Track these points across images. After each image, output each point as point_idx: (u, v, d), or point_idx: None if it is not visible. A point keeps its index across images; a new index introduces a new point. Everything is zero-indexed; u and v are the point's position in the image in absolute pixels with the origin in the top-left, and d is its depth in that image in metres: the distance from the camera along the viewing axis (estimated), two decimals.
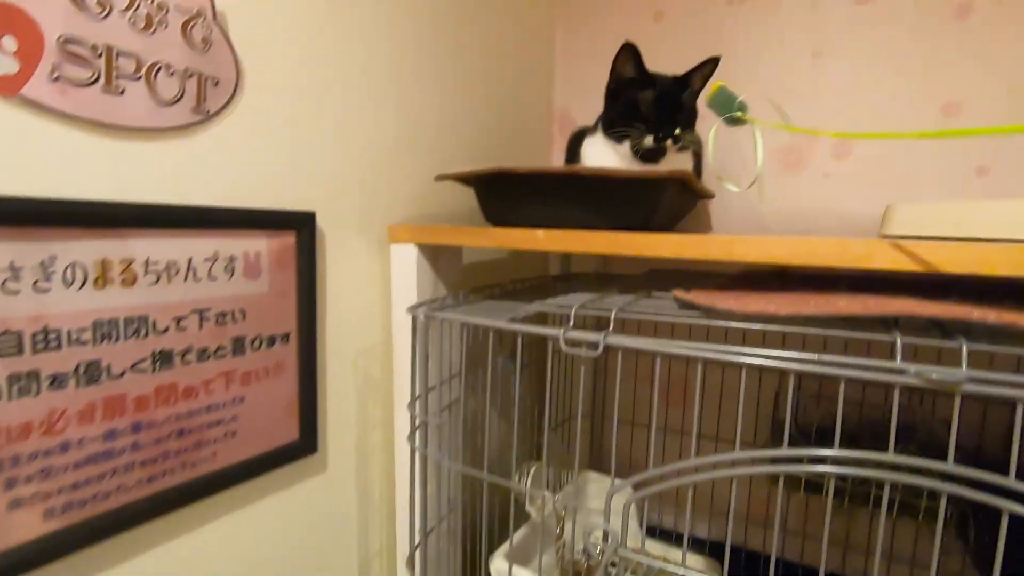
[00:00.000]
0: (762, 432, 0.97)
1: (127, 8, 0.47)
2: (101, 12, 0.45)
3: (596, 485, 0.95)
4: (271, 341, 0.61)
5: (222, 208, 0.56)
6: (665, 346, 0.44)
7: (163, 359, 0.52)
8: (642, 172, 0.58)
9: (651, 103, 0.72)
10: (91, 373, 0.46)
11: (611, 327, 0.47)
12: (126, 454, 0.50)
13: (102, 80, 0.46)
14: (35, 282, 0.43)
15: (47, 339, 0.44)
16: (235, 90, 0.56)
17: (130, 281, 0.48)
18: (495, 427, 0.80)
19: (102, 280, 0.47)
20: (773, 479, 0.92)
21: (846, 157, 0.93)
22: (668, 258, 0.54)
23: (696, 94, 0.75)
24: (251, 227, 0.58)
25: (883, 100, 0.89)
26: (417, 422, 0.65)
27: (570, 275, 0.97)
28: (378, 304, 0.77)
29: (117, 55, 0.46)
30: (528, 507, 0.78)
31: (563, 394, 1.02)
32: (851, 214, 0.93)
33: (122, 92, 0.47)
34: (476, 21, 0.91)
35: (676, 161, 0.75)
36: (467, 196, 0.91)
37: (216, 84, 0.54)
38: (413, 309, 0.60)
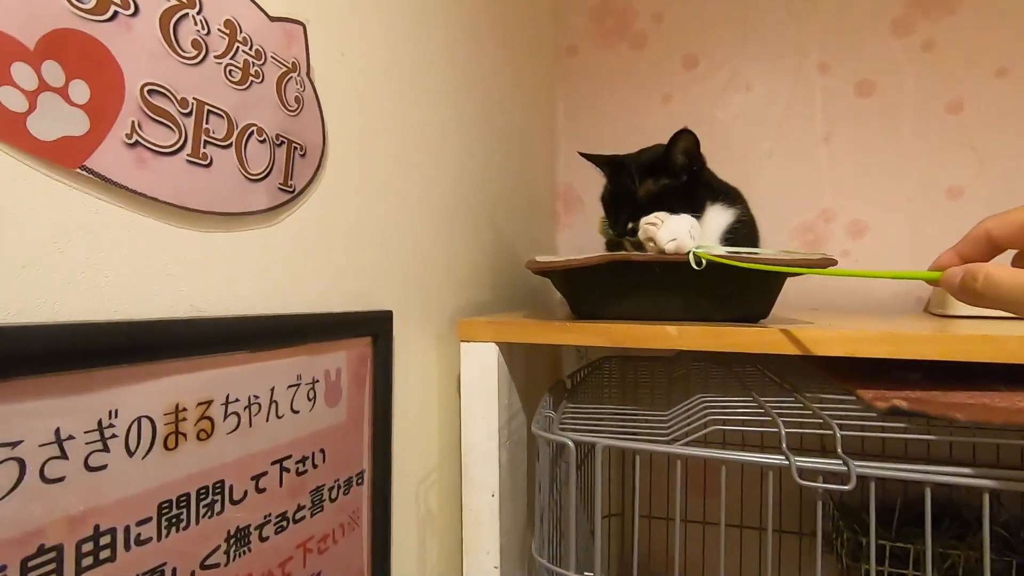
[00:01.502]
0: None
1: (223, 54, 0.34)
2: (195, 57, 0.32)
3: None
4: (347, 486, 0.46)
5: (306, 315, 0.41)
6: (928, 476, 0.36)
7: (238, 541, 0.35)
8: (790, 260, 0.53)
9: (608, 198, 0.72)
10: None
11: (839, 449, 0.39)
12: None
13: (188, 146, 0.32)
14: (88, 456, 0.27)
15: (98, 549, 0.27)
16: (320, 162, 0.44)
17: (207, 432, 0.33)
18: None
19: (174, 436, 0.31)
20: None
21: (862, 236, 0.96)
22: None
23: (676, 177, 0.68)
24: (333, 336, 0.44)
25: (892, 185, 0.94)
26: None
27: (610, 361, 0.89)
28: (438, 418, 0.63)
29: (208, 113, 0.33)
30: None
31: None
32: (873, 295, 0.95)
33: (209, 164, 0.33)
34: (489, 105, 0.85)
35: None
36: (509, 282, 0.81)
37: (303, 154, 0.41)
38: (553, 430, 0.48)
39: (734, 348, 0.51)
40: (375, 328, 0.49)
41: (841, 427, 0.41)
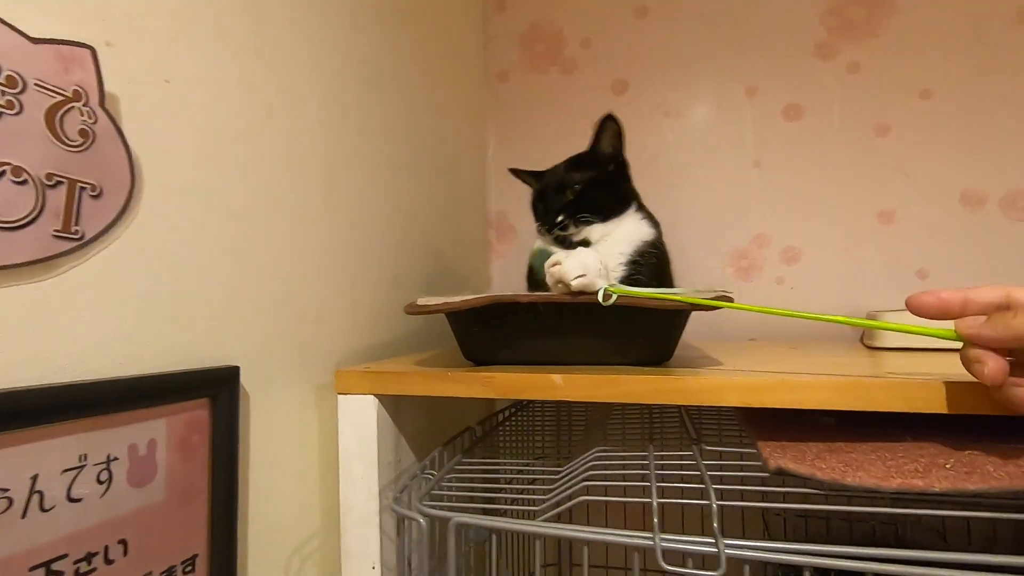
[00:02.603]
0: None
1: None
2: None
3: None
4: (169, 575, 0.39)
5: (96, 383, 0.35)
6: (806, 558, 0.31)
7: None
8: (681, 299, 0.48)
9: (536, 199, 0.71)
10: None
11: (715, 524, 0.34)
12: None
13: None
14: None
15: None
16: (127, 203, 0.38)
17: None
18: None
19: None
20: None
21: (797, 261, 0.93)
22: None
23: (602, 169, 0.69)
24: (142, 403, 0.38)
25: (824, 209, 0.91)
26: None
27: (530, 405, 0.83)
28: (316, 478, 0.56)
29: None
30: None
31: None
32: (812, 323, 0.91)
33: None
34: (414, 133, 0.81)
35: None
36: (438, 320, 0.76)
37: (98, 195, 0.36)
38: (401, 501, 0.42)
39: (624, 399, 0.46)
40: (213, 388, 0.43)
41: (723, 495, 0.36)
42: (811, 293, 0.91)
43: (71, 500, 0.33)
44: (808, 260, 0.92)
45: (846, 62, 0.90)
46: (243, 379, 0.46)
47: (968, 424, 0.42)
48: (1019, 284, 0.83)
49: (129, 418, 0.37)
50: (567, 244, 0.67)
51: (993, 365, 0.32)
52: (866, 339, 0.76)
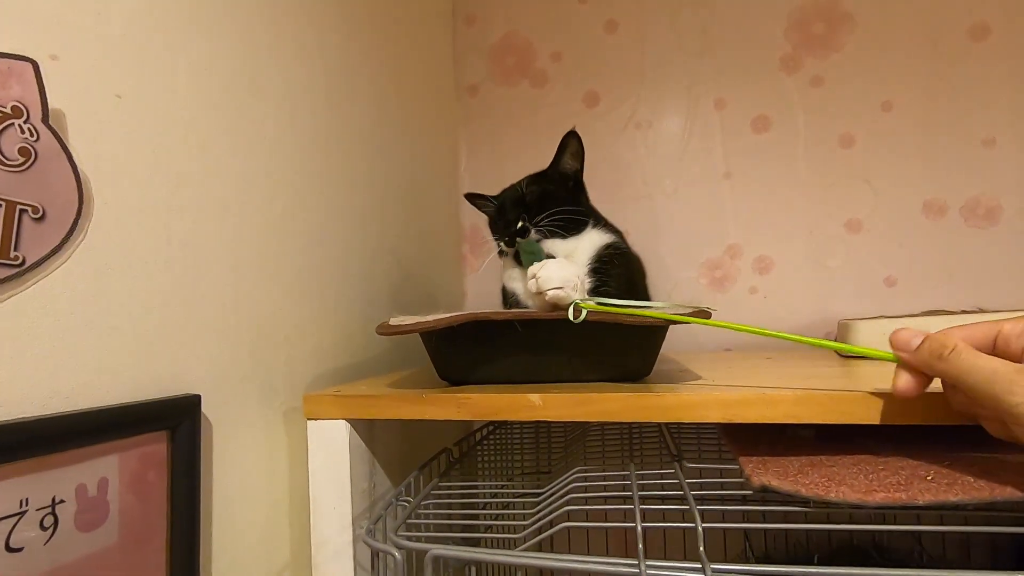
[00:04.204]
0: None
1: None
2: None
3: None
4: None
5: (39, 420, 0.33)
6: None
7: None
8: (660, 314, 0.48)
9: (496, 216, 0.68)
10: None
11: (700, 547, 0.33)
12: None
13: None
14: None
15: None
16: (74, 225, 0.35)
17: None
18: None
19: None
20: None
21: (768, 271, 0.94)
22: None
23: (563, 184, 0.68)
24: (93, 439, 0.35)
25: (793, 220, 0.93)
26: None
27: (508, 424, 0.81)
28: (286, 509, 0.54)
29: None
30: None
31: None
32: (784, 328, 0.92)
33: None
34: (385, 147, 0.79)
35: None
36: (411, 338, 0.74)
37: (40, 217, 0.33)
38: (375, 533, 0.40)
39: (604, 417, 0.45)
40: (171, 419, 0.41)
41: (705, 515, 0.35)
42: (783, 302, 0.92)
43: (10, 550, 0.31)
44: (779, 270, 0.93)
45: (810, 76, 0.92)
46: (205, 408, 0.44)
47: (941, 434, 0.42)
48: (980, 288, 0.85)
49: (77, 456, 0.34)
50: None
51: (902, 380, 0.36)
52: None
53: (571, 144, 0.67)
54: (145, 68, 0.42)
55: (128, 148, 0.40)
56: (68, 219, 0.35)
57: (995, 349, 0.34)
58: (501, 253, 0.68)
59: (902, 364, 0.36)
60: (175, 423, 0.41)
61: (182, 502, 0.41)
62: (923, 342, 0.35)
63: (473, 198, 0.74)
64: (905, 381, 0.36)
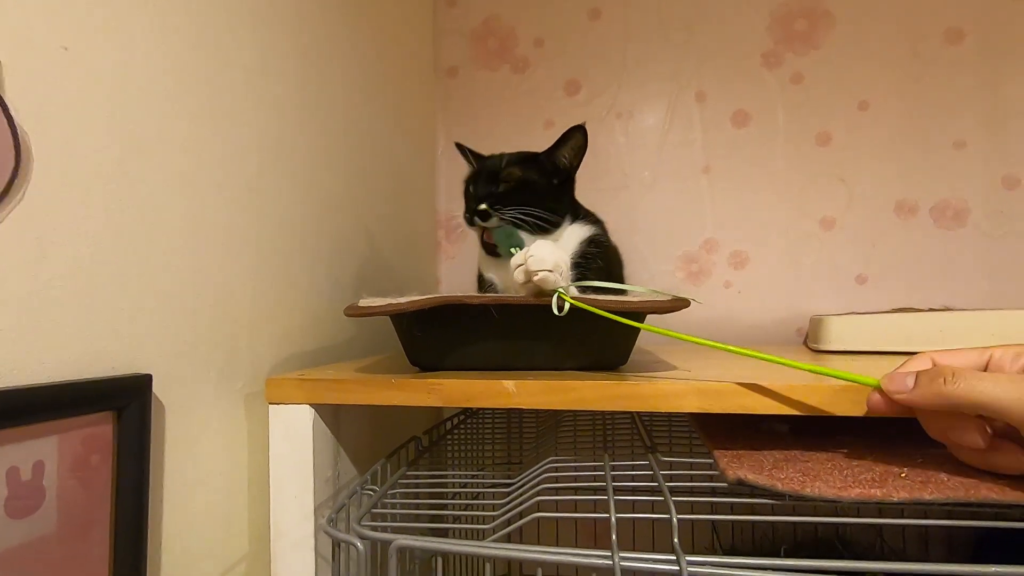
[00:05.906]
0: None
1: None
2: None
3: None
4: None
5: None
6: (771, 574, 0.30)
7: None
8: (639, 303, 0.46)
9: (468, 181, 0.65)
10: None
11: (675, 539, 0.32)
12: None
13: None
14: None
15: None
16: (8, 186, 0.32)
17: None
18: None
19: None
20: None
21: (744, 266, 0.94)
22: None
23: (550, 176, 0.64)
24: (27, 419, 0.32)
25: (770, 215, 0.93)
26: None
27: (480, 412, 0.80)
28: (244, 498, 0.51)
29: None
30: None
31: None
32: (758, 323, 0.93)
33: None
34: (358, 127, 0.77)
35: None
36: (382, 321, 0.72)
37: None
38: (337, 523, 0.38)
39: (579, 406, 0.44)
40: (118, 399, 0.38)
41: (679, 507, 0.34)
42: (757, 297, 0.93)
43: None
44: (754, 265, 0.93)
45: (790, 72, 0.93)
46: (157, 389, 0.41)
47: (910, 431, 0.42)
48: (947, 287, 0.86)
49: (9, 436, 0.31)
50: (489, 249, 0.63)
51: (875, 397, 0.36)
52: (810, 342, 0.78)
53: (574, 138, 0.63)
54: (96, 21, 0.38)
55: (76, 106, 0.37)
56: (2, 179, 0.32)
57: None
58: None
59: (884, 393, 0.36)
60: (122, 404, 0.38)
61: (128, 488, 0.38)
62: (919, 376, 0.34)
63: (463, 150, 0.70)
64: (877, 400, 0.36)
